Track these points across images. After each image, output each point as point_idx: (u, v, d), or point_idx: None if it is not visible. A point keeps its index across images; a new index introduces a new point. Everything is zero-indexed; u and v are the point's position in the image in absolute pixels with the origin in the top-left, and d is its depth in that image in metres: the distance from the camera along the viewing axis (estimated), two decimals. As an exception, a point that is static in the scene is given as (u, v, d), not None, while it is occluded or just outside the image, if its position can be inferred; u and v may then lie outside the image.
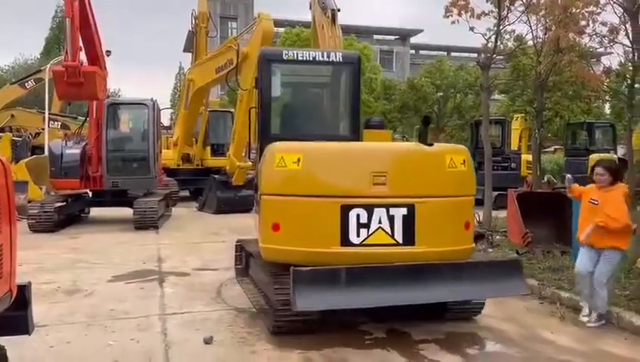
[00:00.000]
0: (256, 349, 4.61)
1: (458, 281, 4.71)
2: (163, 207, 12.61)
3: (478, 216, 10.19)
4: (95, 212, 13.58)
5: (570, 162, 18.43)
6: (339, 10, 10.32)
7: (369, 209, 4.65)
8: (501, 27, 10.13)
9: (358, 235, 4.64)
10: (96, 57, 10.58)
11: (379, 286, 4.47)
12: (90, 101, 11.68)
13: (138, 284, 6.83)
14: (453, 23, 10.32)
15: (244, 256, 6.66)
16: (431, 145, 5.11)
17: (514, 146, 18.35)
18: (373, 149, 5.19)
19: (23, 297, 3.48)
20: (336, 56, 6.27)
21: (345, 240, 4.63)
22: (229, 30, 40.24)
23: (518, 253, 7.89)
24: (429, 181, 4.86)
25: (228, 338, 4.87)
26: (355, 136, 6.08)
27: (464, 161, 4.96)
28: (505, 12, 10.03)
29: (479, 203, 11.05)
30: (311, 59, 6.27)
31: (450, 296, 4.79)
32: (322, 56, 6.32)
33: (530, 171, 15.28)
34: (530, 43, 11.16)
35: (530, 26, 10.72)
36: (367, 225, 4.65)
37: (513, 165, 16.39)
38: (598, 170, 5.35)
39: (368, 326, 5.14)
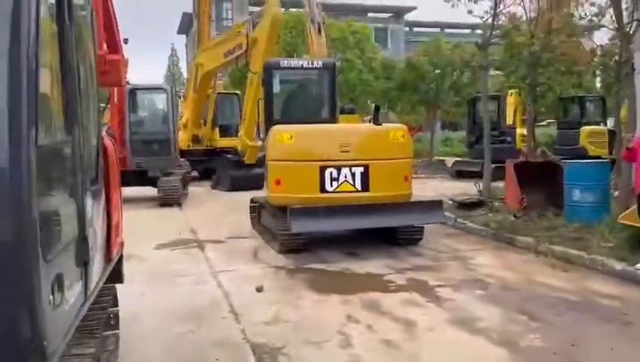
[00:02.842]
0: (301, 295, 5.54)
1: (398, 214, 7.10)
2: (182, 185, 13.41)
3: (479, 185, 11.11)
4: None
5: (562, 134, 19.32)
6: (324, 24, 13.40)
7: (338, 168, 6.98)
8: (497, 9, 10.90)
9: (331, 185, 6.98)
10: (116, 45, 11.25)
11: (345, 217, 6.92)
12: (112, 87, 12.38)
13: (182, 250, 7.73)
14: (452, 6, 11.14)
15: (257, 208, 8.94)
16: (380, 124, 7.59)
17: (509, 121, 19.20)
18: (340, 128, 7.84)
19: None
20: (318, 63, 9.08)
21: (322, 189, 6.97)
22: (224, 11, 40.38)
23: (515, 216, 8.80)
24: (378, 149, 7.19)
25: (275, 288, 5.78)
26: (333, 118, 8.60)
27: (403, 135, 7.30)
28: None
29: (480, 175, 11.98)
30: (300, 66, 9.26)
31: (393, 222, 7.18)
32: (308, 64, 9.17)
33: (524, 143, 16.17)
34: (524, 20, 11.88)
35: (524, 7, 11.45)
36: (337, 179, 6.97)
37: (509, 139, 17.28)
38: None
39: (391, 276, 6.07)
